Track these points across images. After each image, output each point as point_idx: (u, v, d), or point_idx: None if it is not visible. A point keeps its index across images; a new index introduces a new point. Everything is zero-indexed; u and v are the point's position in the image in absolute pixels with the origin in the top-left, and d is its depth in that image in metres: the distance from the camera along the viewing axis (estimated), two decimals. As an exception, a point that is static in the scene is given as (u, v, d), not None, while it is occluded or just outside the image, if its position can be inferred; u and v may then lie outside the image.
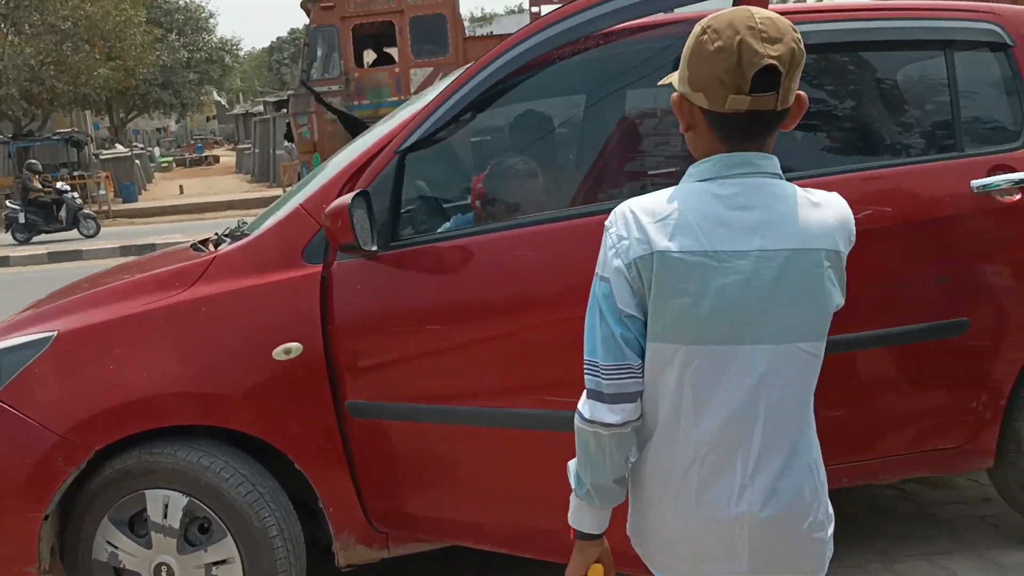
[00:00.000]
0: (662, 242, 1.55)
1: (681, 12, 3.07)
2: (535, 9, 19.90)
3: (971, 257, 3.10)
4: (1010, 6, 3.31)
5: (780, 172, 1.61)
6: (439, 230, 3.25)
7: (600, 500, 1.69)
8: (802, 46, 1.53)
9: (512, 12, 52.15)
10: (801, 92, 1.58)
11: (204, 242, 3.57)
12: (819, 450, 1.66)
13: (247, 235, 3.15)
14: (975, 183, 3.06)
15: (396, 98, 13.53)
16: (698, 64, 1.56)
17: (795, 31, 1.53)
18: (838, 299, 1.60)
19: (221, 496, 2.84)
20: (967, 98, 3.25)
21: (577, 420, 1.65)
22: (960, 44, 3.23)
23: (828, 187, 3.02)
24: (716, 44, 1.51)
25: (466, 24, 18.86)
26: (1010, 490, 3.33)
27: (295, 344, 2.83)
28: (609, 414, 1.61)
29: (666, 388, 1.60)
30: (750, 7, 1.55)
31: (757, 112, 1.54)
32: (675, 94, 1.63)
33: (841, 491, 3.79)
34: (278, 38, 68.91)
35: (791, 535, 1.61)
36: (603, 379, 1.61)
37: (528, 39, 2.86)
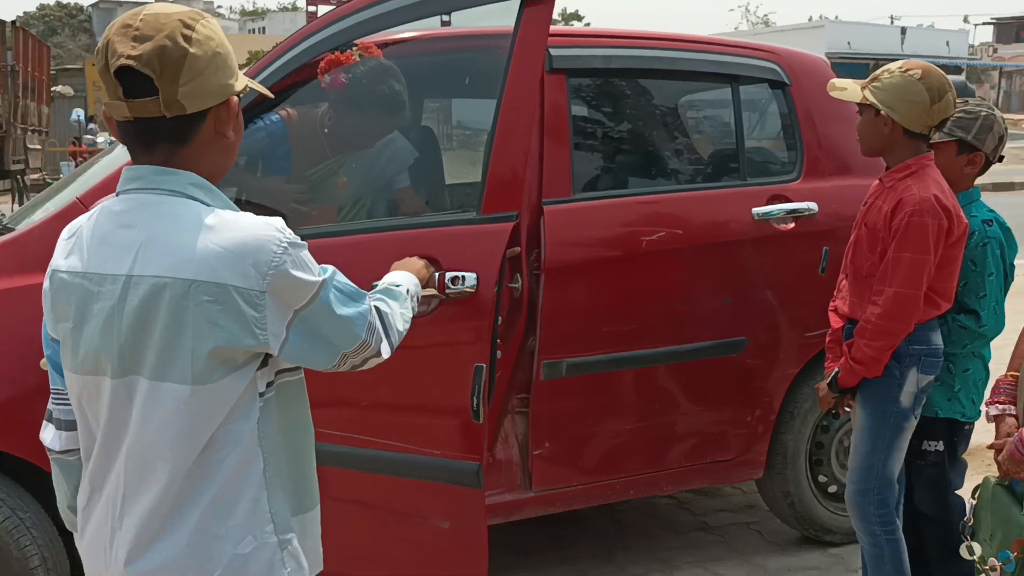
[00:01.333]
0: (59, 260, 1.47)
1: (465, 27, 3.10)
2: (312, 8, 19.52)
3: (750, 279, 3.30)
4: (789, 48, 3.57)
5: (186, 189, 1.42)
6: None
7: (68, 525, 1.67)
8: (185, 43, 1.36)
9: (285, 9, 50.91)
10: (236, 97, 1.46)
11: (-48, 235, 3.16)
12: (254, 518, 1.45)
13: (12, 229, 2.82)
14: (756, 211, 3.27)
15: None
16: None
17: (185, 27, 1.37)
18: (225, 340, 1.37)
19: (-29, 523, 2.51)
20: (751, 131, 3.46)
21: None
22: (745, 80, 3.44)
23: (623, 208, 3.19)
24: (99, 46, 1.39)
25: (236, 19, 18.05)
26: (775, 499, 3.57)
27: (67, 353, 2.55)
28: (48, 436, 1.60)
29: (76, 416, 1.51)
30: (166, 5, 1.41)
31: (145, 120, 1.39)
32: None
33: (623, 503, 3.96)
34: (25, 12, 63.53)
35: None
36: (52, 400, 1.58)
37: (309, 38, 2.72)
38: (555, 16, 2.76)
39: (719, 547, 3.67)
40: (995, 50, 55.51)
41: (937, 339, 2.67)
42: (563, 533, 3.74)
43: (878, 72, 2.70)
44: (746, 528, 3.85)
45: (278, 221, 1.44)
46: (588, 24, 61.93)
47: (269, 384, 1.47)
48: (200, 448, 1.40)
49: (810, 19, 44.28)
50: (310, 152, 2.96)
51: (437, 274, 2.23)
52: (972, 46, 51.22)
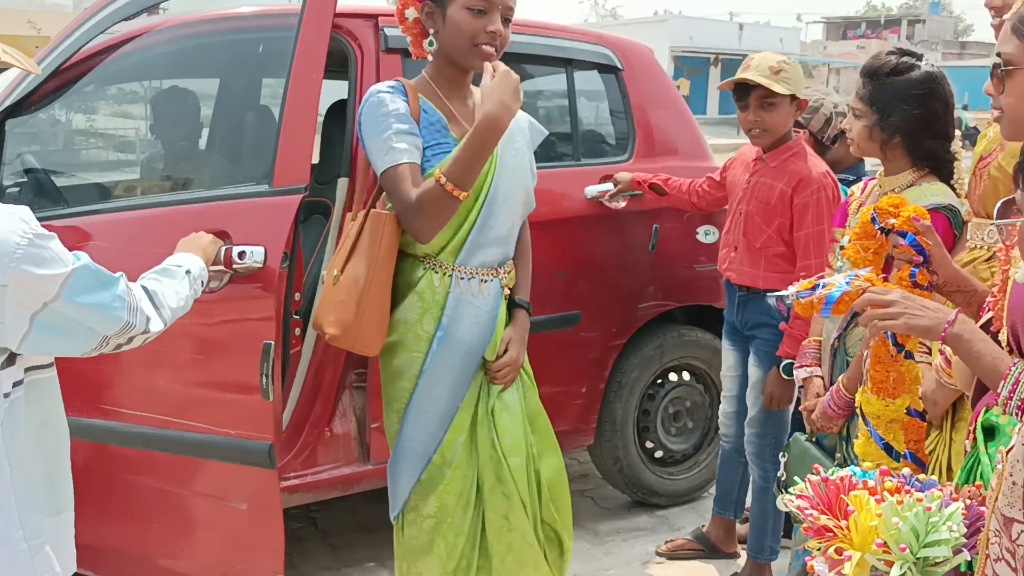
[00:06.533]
0: None
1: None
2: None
3: (583, 256, 3.44)
4: (621, 37, 3.73)
5: None
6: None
7: None
8: None
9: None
10: None
11: None
12: (3, 526, 1.45)
13: None
14: (588, 190, 3.41)
15: None
16: None
17: None
18: None
19: None
20: (585, 113, 3.60)
21: None
22: (579, 64, 3.57)
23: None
24: None
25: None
26: (606, 464, 3.75)
27: None
28: None
29: None
30: None
31: None
32: None
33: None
34: None
35: None
36: None
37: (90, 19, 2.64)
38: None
39: (554, 514, 3.80)
40: (825, 47, 58.79)
41: None
42: (404, 506, 3.80)
43: (774, 65, 2.88)
44: (580, 496, 4.01)
45: (23, 211, 1.38)
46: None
47: (17, 383, 1.42)
48: None
49: (655, 13, 45.70)
50: None
51: (224, 249, 2.16)
52: (804, 43, 54.05)
